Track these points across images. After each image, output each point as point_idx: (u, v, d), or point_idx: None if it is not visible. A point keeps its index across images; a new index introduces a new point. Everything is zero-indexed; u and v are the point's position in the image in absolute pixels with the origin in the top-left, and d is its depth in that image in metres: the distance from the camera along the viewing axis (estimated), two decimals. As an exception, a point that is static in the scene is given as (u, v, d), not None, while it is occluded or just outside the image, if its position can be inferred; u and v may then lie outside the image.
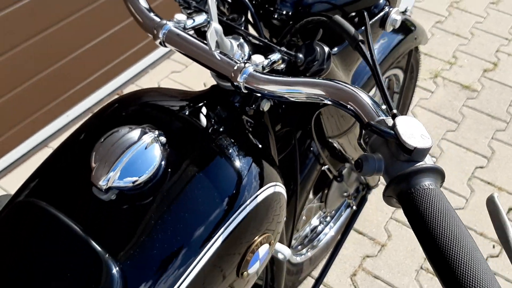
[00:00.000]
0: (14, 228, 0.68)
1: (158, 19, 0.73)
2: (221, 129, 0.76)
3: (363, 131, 0.58)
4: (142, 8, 0.74)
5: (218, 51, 0.69)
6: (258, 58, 0.68)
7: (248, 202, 0.70)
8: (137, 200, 0.66)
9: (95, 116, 0.78)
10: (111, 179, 0.64)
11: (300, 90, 0.63)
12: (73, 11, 2.02)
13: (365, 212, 1.94)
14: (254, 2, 0.82)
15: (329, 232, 1.73)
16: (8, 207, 0.70)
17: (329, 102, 0.61)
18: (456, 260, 0.45)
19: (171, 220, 0.65)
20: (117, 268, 0.62)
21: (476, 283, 0.44)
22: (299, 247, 1.62)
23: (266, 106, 0.82)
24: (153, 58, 2.52)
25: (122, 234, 0.65)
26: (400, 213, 1.93)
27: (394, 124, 0.52)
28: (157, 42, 0.72)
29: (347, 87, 0.60)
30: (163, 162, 0.67)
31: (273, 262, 1.02)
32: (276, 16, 0.79)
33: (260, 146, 0.80)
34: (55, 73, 2.07)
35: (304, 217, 1.66)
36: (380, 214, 1.94)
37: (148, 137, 0.67)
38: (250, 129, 0.80)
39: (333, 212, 1.77)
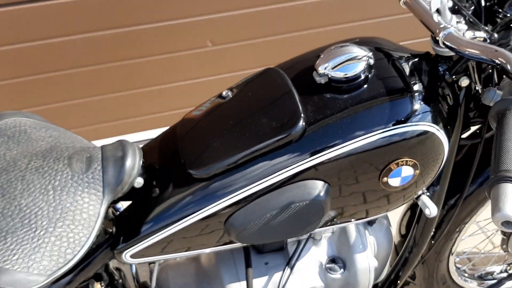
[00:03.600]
0: (258, 78, 1.06)
1: None
2: (417, 75, 0.99)
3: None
4: None
5: (437, 15, 0.92)
6: (462, 26, 0.90)
7: (409, 123, 0.93)
8: (336, 89, 0.96)
9: (337, 42, 1.11)
10: (327, 68, 0.95)
11: (474, 51, 0.83)
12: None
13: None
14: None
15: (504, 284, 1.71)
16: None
17: (486, 58, 0.81)
18: None
19: (353, 108, 0.94)
20: (303, 122, 0.93)
21: None
22: (467, 274, 1.67)
23: (464, 82, 1.01)
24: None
25: (318, 105, 0.96)
26: None
27: None
28: (401, 2, 1.00)
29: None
30: (363, 73, 0.95)
31: (421, 220, 1.18)
32: (500, 16, 0.98)
33: (445, 114, 0.99)
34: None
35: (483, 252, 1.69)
36: None
37: (363, 52, 0.96)
38: (441, 92, 1.00)
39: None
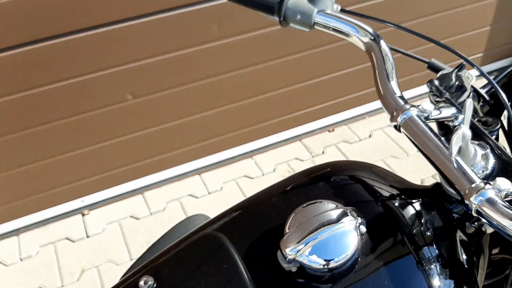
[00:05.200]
0: (195, 255, 0.70)
1: (402, 102, 0.68)
2: (429, 238, 0.68)
3: None
4: (388, 85, 0.70)
5: (458, 158, 0.61)
6: (503, 183, 0.57)
7: None
8: (315, 283, 0.62)
9: (305, 173, 0.77)
10: (300, 252, 0.61)
11: None
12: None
13: None
14: None
15: None
16: (199, 232, 0.73)
17: None
18: None
19: None
20: None
21: None
22: None
23: (490, 229, 0.70)
24: (375, 106, 2.48)
25: None
26: None
27: None
28: (393, 124, 0.67)
29: None
30: (355, 255, 0.62)
31: None
32: None
33: (466, 267, 0.69)
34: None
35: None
36: None
37: (349, 223, 0.62)
38: (462, 248, 0.70)
39: None
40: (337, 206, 0.64)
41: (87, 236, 2.04)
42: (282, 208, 0.70)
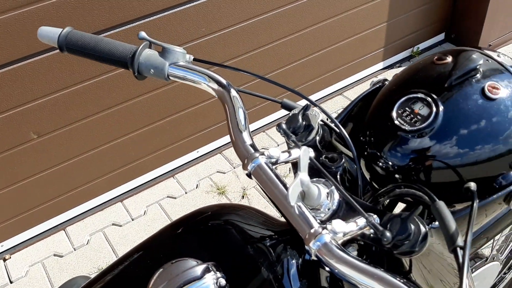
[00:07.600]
0: None
1: (252, 150, 0.71)
2: (293, 275, 0.71)
3: None
4: (239, 134, 0.73)
5: (300, 203, 0.64)
6: (337, 226, 0.61)
7: None
8: None
9: (174, 225, 0.79)
10: None
11: (374, 286, 0.55)
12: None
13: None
14: (362, 138, 0.76)
15: None
16: None
17: None
18: None
19: None
20: None
21: None
22: None
23: None
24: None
25: None
26: None
27: None
28: (245, 172, 0.70)
29: None
30: None
31: None
32: (380, 165, 0.72)
33: None
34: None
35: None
36: None
37: (210, 279, 0.65)
38: (330, 278, 0.74)
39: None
40: (197, 263, 0.67)
41: (11, 282, 1.97)
42: (148, 267, 0.71)
